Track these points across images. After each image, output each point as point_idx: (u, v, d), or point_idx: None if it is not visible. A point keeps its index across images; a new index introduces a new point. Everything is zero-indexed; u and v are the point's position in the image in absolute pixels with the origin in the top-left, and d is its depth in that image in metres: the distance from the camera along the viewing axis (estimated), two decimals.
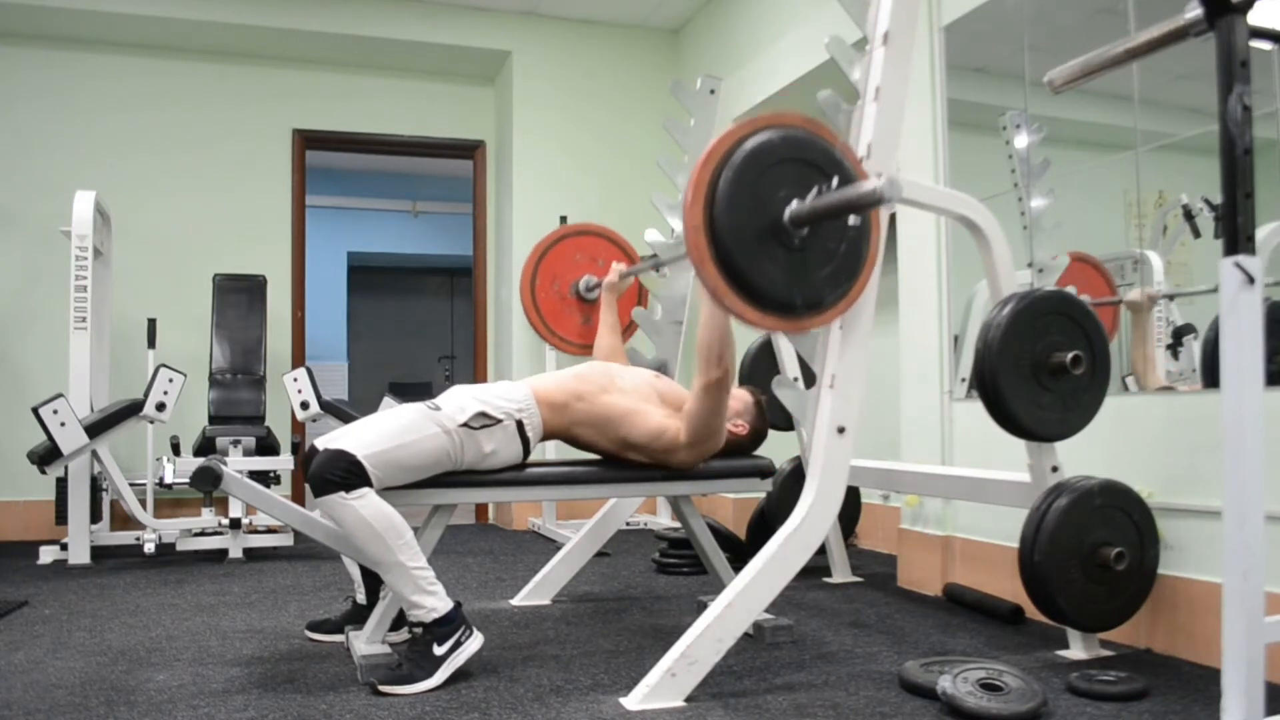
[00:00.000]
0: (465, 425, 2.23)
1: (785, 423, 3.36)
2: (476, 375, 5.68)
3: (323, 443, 2.17)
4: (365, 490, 2.08)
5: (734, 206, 1.83)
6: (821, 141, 1.95)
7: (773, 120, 1.93)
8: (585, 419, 2.39)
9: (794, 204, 1.86)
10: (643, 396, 2.43)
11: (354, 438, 2.13)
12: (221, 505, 4.28)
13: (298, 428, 4.91)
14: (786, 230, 1.86)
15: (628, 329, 3.31)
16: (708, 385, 2.27)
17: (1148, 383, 2.64)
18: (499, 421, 2.27)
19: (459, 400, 2.28)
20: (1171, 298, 2.60)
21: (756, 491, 2.83)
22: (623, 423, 2.38)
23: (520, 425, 2.31)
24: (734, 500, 4.71)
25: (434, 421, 2.20)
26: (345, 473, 2.07)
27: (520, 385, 2.39)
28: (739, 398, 2.59)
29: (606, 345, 3.03)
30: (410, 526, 2.14)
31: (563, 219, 5.12)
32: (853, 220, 1.95)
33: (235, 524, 4.05)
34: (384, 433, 2.15)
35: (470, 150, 5.77)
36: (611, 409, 2.38)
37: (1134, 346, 2.67)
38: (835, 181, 1.88)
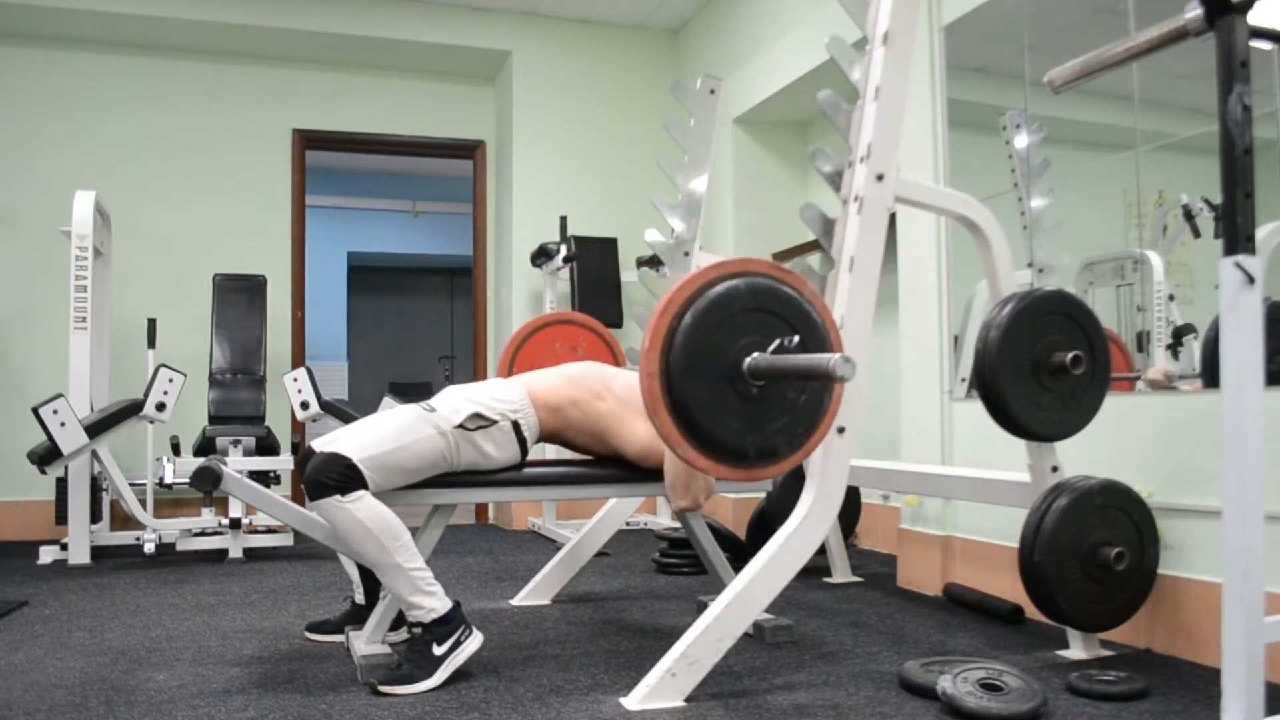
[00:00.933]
0: (461, 426, 2.22)
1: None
2: (476, 375, 5.68)
3: (318, 445, 2.16)
4: (361, 493, 2.08)
5: (691, 354, 1.82)
6: (788, 292, 1.93)
7: (741, 267, 1.91)
8: (580, 425, 2.38)
9: (754, 355, 1.84)
10: (634, 406, 2.38)
11: (349, 441, 2.13)
12: (221, 505, 4.28)
13: (298, 428, 4.91)
14: (744, 379, 1.85)
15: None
16: (678, 509, 2.39)
17: None
18: (494, 422, 2.26)
19: (453, 402, 2.27)
20: (1177, 339, 2.59)
21: (756, 491, 2.83)
22: (614, 435, 2.38)
23: (516, 426, 2.30)
24: (734, 500, 4.71)
25: (429, 423, 2.20)
26: (340, 476, 2.06)
27: (513, 385, 2.37)
28: None
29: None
30: (410, 527, 2.14)
31: (563, 219, 5.13)
32: None
33: (235, 524, 4.05)
34: (379, 435, 2.15)
35: (470, 150, 5.77)
36: (604, 418, 2.37)
37: None
38: (796, 339, 1.87)
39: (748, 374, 1.85)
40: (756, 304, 1.88)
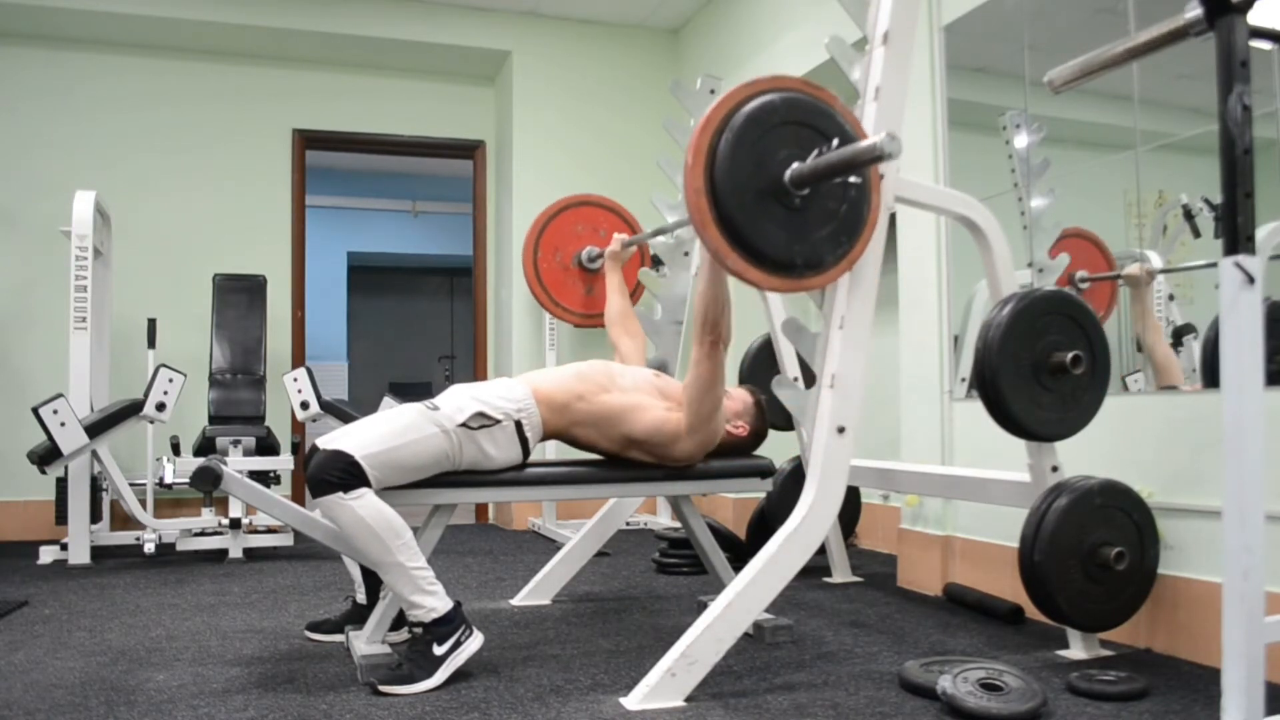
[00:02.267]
0: (464, 425, 2.22)
1: (785, 423, 3.36)
2: (476, 375, 5.68)
3: (322, 443, 2.16)
4: (363, 491, 2.08)
5: (735, 168, 1.85)
6: (822, 104, 1.97)
7: (772, 83, 1.94)
8: (586, 418, 2.38)
9: (795, 165, 1.88)
10: (643, 393, 2.43)
11: (352, 438, 2.13)
12: (221, 505, 4.28)
13: (298, 428, 4.91)
14: (787, 191, 1.88)
15: (635, 291, 3.29)
16: (703, 353, 2.30)
17: (1157, 356, 2.63)
18: (498, 422, 2.27)
19: (457, 400, 2.28)
20: (1177, 339, 2.61)
21: (756, 491, 2.83)
22: (624, 419, 2.38)
23: (519, 425, 2.30)
24: (734, 500, 4.71)
25: (432, 422, 2.20)
26: (343, 473, 2.06)
27: (519, 384, 2.38)
28: (739, 398, 2.59)
29: (617, 308, 3.07)
30: (410, 526, 2.14)
31: None
32: (853, 180, 1.96)
33: (235, 524, 4.05)
34: (382, 433, 2.15)
35: (470, 150, 5.77)
36: (612, 406, 2.38)
37: (1135, 321, 2.67)
38: (835, 143, 1.90)
39: (790, 184, 1.88)
40: (793, 117, 1.92)
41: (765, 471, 2.58)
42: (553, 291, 3.18)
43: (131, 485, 4.19)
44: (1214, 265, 2.24)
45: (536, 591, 3.08)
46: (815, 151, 1.90)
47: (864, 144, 1.78)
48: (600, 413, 2.38)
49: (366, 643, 2.29)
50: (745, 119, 1.87)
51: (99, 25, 4.85)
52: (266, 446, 4.27)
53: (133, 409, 3.96)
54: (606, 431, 2.40)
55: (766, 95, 1.91)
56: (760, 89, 1.92)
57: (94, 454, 3.89)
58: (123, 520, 4.46)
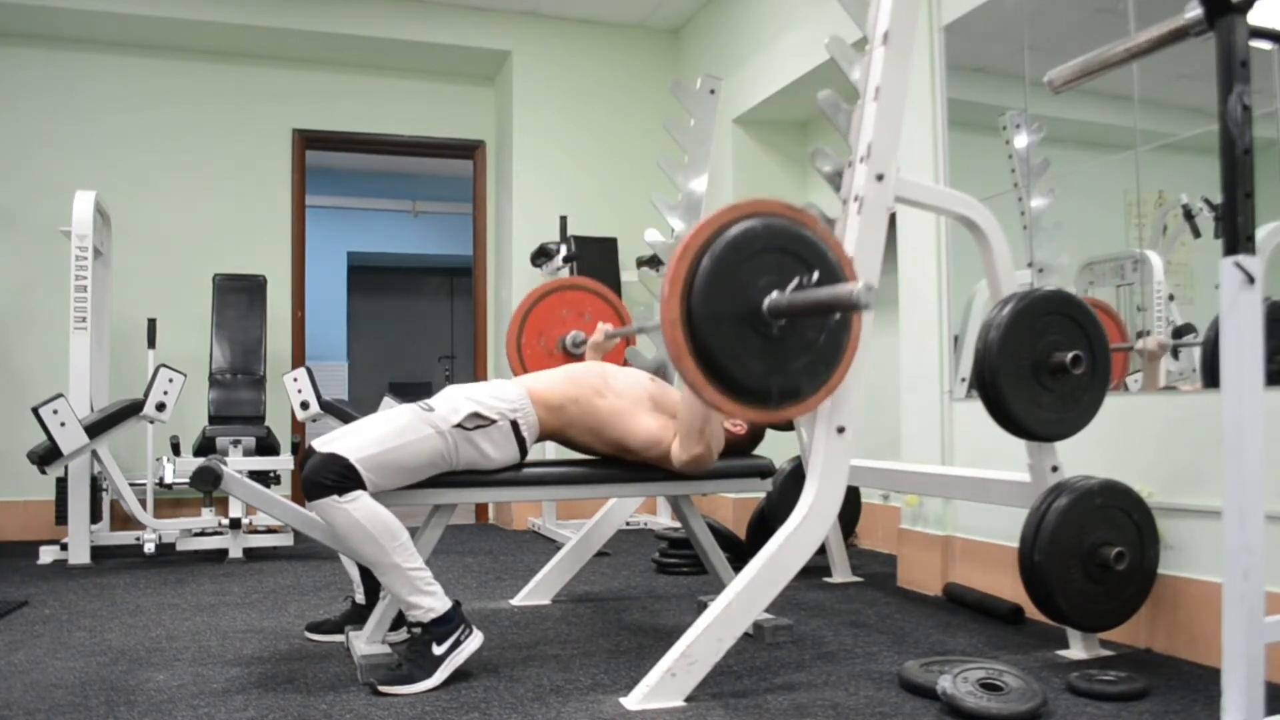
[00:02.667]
0: (459, 426, 2.22)
1: (785, 423, 3.36)
2: (476, 375, 5.68)
3: (317, 445, 2.16)
4: (358, 493, 2.08)
5: (712, 298, 1.81)
6: (804, 231, 1.93)
7: (754, 208, 1.90)
8: (580, 421, 2.38)
9: (773, 295, 1.84)
10: (636, 399, 2.41)
11: (347, 441, 2.13)
12: (221, 505, 4.28)
13: (298, 428, 4.91)
14: (765, 320, 1.84)
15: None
16: (688, 460, 2.31)
17: None
18: (493, 422, 2.26)
19: (452, 401, 2.27)
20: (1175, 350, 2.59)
21: (756, 491, 2.83)
22: (617, 428, 2.37)
23: (515, 425, 2.30)
24: (734, 500, 4.71)
25: (427, 423, 2.20)
26: (338, 476, 2.06)
27: (514, 384, 2.37)
28: None
29: None
30: (410, 527, 2.14)
31: (563, 219, 5.12)
32: None
33: (235, 524, 4.05)
34: (377, 435, 2.15)
35: (470, 150, 5.77)
36: (606, 413, 2.37)
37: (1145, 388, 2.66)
38: (816, 275, 1.87)
39: (768, 314, 1.84)
40: (773, 244, 1.88)
41: (765, 471, 2.58)
42: None
43: (131, 485, 4.19)
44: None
45: (536, 591, 3.08)
46: (795, 281, 1.85)
47: (841, 291, 1.73)
48: (594, 417, 2.37)
49: (366, 643, 2.29)
50: (725, 246, 1.83)
51: (99, 25, 4.85)
52: (266, 446, 4.27)
53: (133, 409, 3.96)
54: (601, 435, 2.39)
55: (747, 221, 1.87)
56: (741, 214, 1.88)
57: (94, 454, 3.89)
58: (123, 520, 4.46)
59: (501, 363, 5.44)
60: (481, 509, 5.63)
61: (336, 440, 2.14)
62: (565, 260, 4.99)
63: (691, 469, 2.33)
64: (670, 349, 1.82)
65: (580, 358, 3.26)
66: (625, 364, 3.23)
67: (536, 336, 3.29)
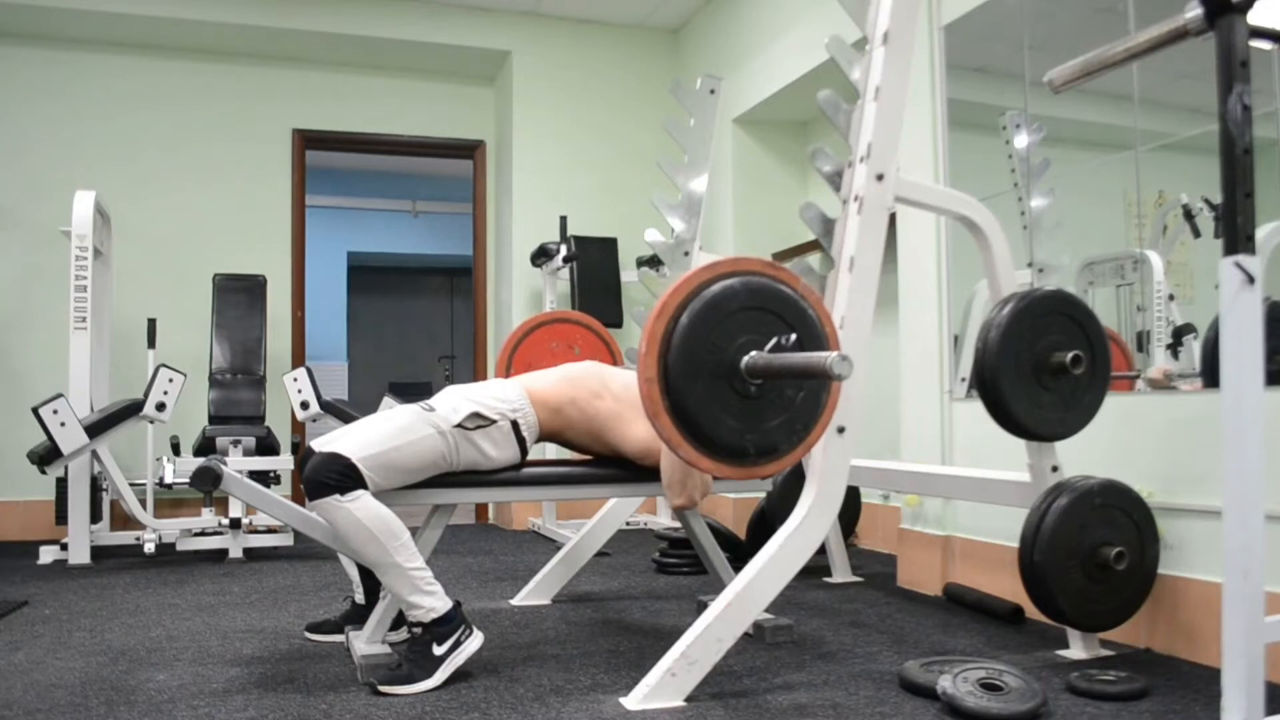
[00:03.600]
0: (459, 426, 2.22)
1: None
2: (476, 375, 5.68)
3: (318, 445, 2.16)
4: (360, 493, 2.08)
5: (688, 355, 1.82)
6: (784, 289, 1.93)
7: (734, 266, 1.91)
8: (579, 424, 2.38)
9: (751, 354, 1.85)
10: (632, 404, 2.38)
11: (348, 441, 2.13)
12: (221, 505, 4.28)
13: (298, 428, 4.91)
14: (742, 378, 1.85)
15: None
16: (674, 508, 2.36)
17: None
18: (494, 422, 2.26)
19: (452, 401, 2.27)
20: (1177, 339, 2.58)
21: (756, 491, 2.83)
22: (614, 432, 2.37)
23: (516, 425, 2.30)
24: (734, 500, 4.71)
25: (428, 423, 2.20)
26: (339, 475, 2.06)
27: (513, 385, 2.37)
28: None
29: None
30: (410, 527, 2.14)
31: (563, 219, 5.12)
32: None
33: (235, 524, 4.05)
34: (378, 435, 2.15)
35: (470, 150, 5.77)
36: (603, 417, 2.37)
37: None
38: (794, 337, 1.87)
39: (745, 373, 1.85)
40: (752, 303, 1.88)
41: None
42: None
43: (131, 485, 4.19)
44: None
45: (536, 591, 3.08)
46: (774, 341, 1.86)
47: (815, 359, 1.73)
48: (592, 420, 2.37)
49: (366, 643, 2.29)
50: (703, 305, 1.84)
51: (99, 25, 4.85)
52: (266, 446, 4.27)
53: (133, 409, 3.96)
54: (599, 438, 2.39)
55: (727, 280, 1.87)
56: (720, 273, 1.88)
57: (94, 454, 3.89)
58: (123, 520, 4.46)
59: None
60: (481, 509, 5.63)
61: (338, 440, 2.14)
62: (565, 260, 4.99)
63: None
64: (647, 406, 1.82)
65: None
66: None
67: (526, 370, 3.32)
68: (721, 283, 1.87)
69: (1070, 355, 2.19)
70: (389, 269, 10.29)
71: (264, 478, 4.14)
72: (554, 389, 2.38)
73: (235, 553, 4.04)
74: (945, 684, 1.89)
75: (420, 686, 2.04)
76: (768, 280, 1.92)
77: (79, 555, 3.89)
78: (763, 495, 3.58)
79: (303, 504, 2.29)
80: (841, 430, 2.08)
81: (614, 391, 2.41)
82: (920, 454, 3.24)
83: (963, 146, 3.18)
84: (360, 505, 2.07)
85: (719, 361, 1.84)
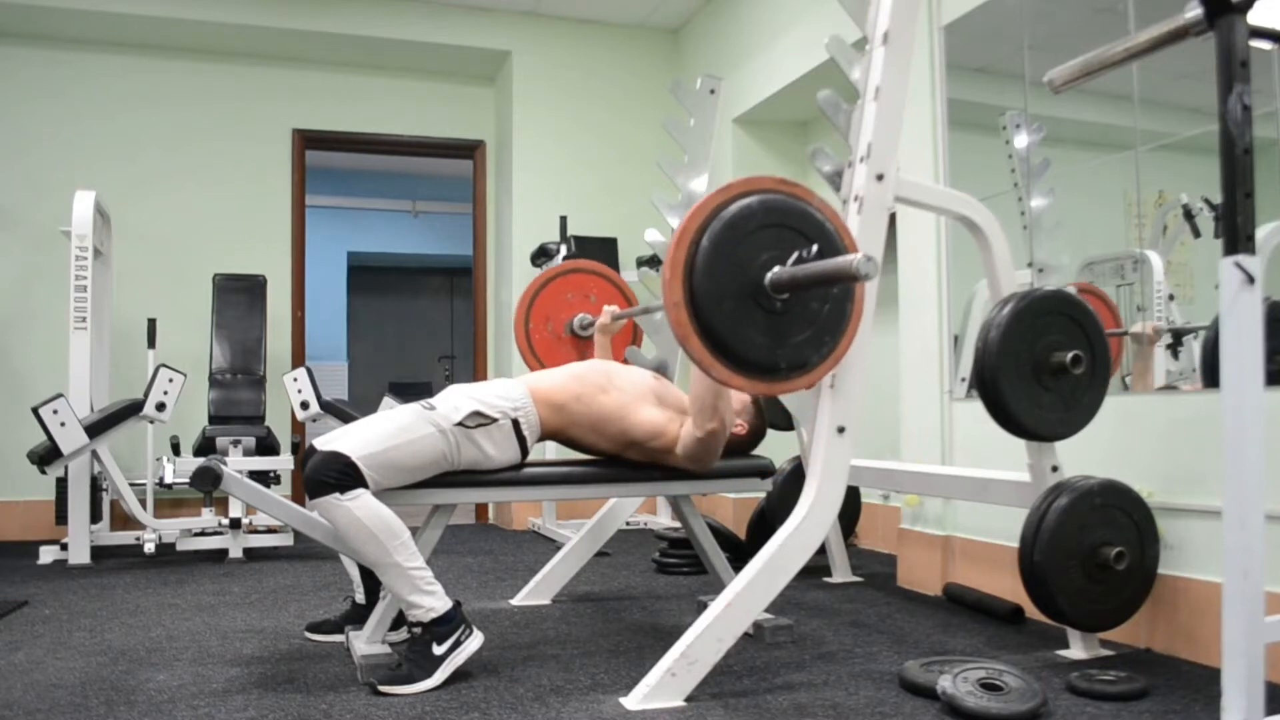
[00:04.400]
0: (460, 425, 2.22)
1: (785, 423, 3.36)
2: (476, 375, 5.68)
3: (319, 444, 2.17)
4: (360, 491, 2.08)
5: (713, 278, 1.83)
6: (800, 203, 1.93)
7: (747, 186, 1.91)
8: (583, 419, 2.38)
9: (774, 270, 1.86)
10: (639, 394, 2.42)
11: (349, 439, 2.13)
12: (221, 505, 4.28)
13: (298, 428, 4.91)
14: (768, 295, 1.86)
15: (634, 341, 3.31)
16: (703, 436, 2.30)
17: None
18: (495, 421, 2.27)
19: (454, 400, 2.27)
20: (1177, 339, 2.59)
21: (756, 491, 2.83)
22: (621, 420, 2.37)
23: (516, 424, 2.30)
24: (734, 500, 4.72)
25: (429, 421, 2.20)
26: (340, 474, 2.06)
27: (517, 384, 2.38)
28: (738, 397, 2.58)
29: None
30: (410, 527, 2.14)
31: (563, 219, 5.12)
32: None
33: (235, 524, 4.05)
34: (379, 434, 2.15)
35: (470, 150, 5.77)
36: (609, 408, 2.37)
37: (1134, 377, 2.66)
38: (815, 248, 1.88)
39: (770, 289, 1.86)
40: (770, 220, 1.89)
41: (765, 471, 2.58)
42: (545, 360, 3.20)
43: (131, 485, 4.19)
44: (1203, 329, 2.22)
45: (536, 591, 3.08)
46: (795, 255, 1.87)
47: (840, 263, 1.75)
48: (597, 414, 2.37)
49: (366, 643, 2.29)
50: (723, 226, 1.84)
51: (99, 25, 4.85)
52: (266, 446, 4.27)
53: (133, 409, 3.96)
54: (604, 431, 2.39)
55: (743, 200, 1.88)
56: (736, 193, 1.89)
57: (94, 454, 3.89)
58: (123, 520, 4.46)
59: (501, 363, 5.44)
60: (481, 509, 5.63)
61: (338, 439, 2.14)
62: (565, 260, 4.98)
63: (699, 454, 2.33)
64: (676, 330, 1.83)
65: (589, 340, 3.26)
66: (627, 363, 3.23)
67: (543, 321, 3.29)
68: (738, 203, 1.88)
69: (1070, 355, 2.19)
70: (389, 269, 10.29)
71: (264, 478, 4.14)
72: (559, 386, 2.38)
73: (235, 553, 4.04)
74: (945, 684, 1.89)
75: (420, 686, 2.04)
76: (783, 196, 1.93)
77: (79, 555, 3.89)
78: (763, 495, 3.58)
79: (303, 504, 2.29)
80: (841, 430, 2.08)
81: (620, 386, 2.42)
82: (920, 454, 3.24)
83: (963, 146, 3.18)
84: (360, 504, 2.07)
85: (744, 280, 1.85)
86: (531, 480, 2.37)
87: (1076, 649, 2.33)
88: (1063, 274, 2.86)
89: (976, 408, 2.35)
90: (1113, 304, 2.74)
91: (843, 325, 1.97)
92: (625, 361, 3.15)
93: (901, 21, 2.17)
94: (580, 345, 3.31)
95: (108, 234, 4.57)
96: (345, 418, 4.05)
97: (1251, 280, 1.42)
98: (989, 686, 1.88)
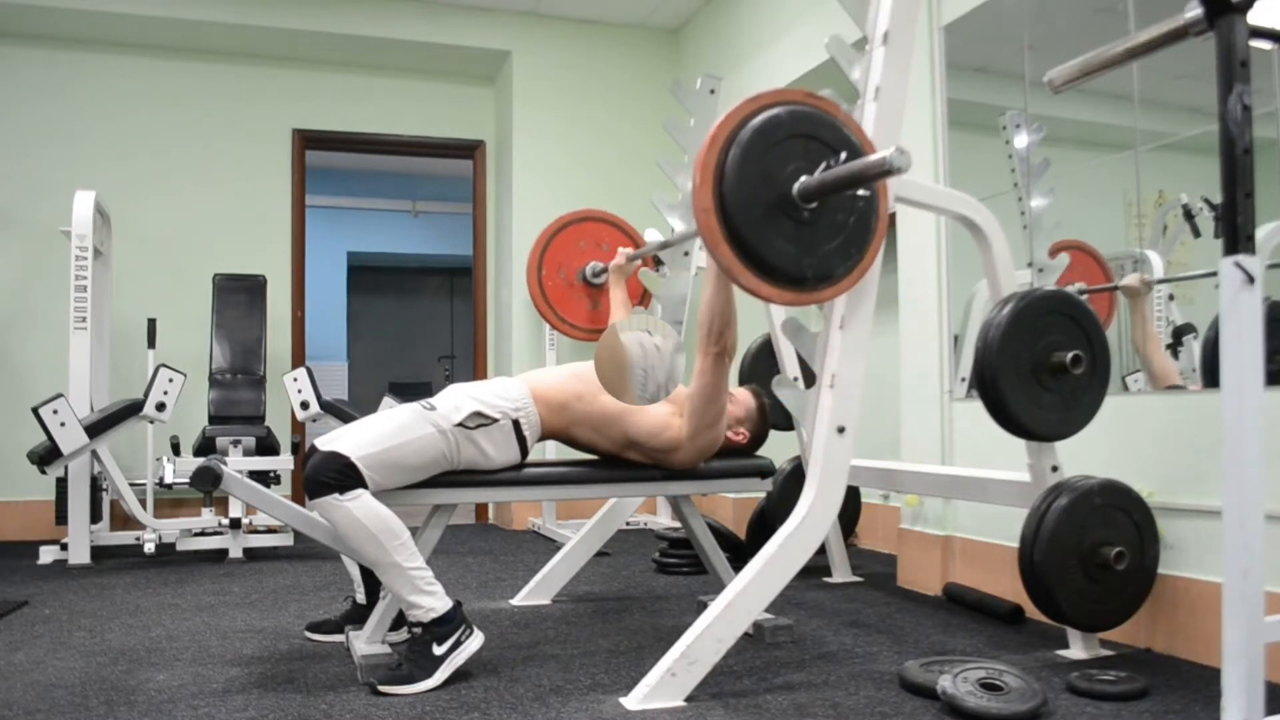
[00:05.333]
0: (460, 425, 2.22)
1: (785, 423, 3.35)
2: (476, 375, 5.68)
3: (319, 444, 2.17)
4: (359, 492, 2.08)
5: (743, 184, 1.84)
6: (826, 115, 1.97)
7: (776, 97, 1.94)
8: (584, 419, 2.38)
9: (803, 178, 1.88)
10: None
11: (349, 439, 2.13)
12: (221, 505, 4.28)
13: (298, 428, 4.91)
14: (796, 204, 1.88)
15: (640, 302, 3.30)
16: (708, 363, 2.28)
17: (1154, 365, 2.63)
18: (495, 421, 2.27)
19: (454, 400, 2.27)
20: (1177, 339, 2.60)
21: (756, 491, 2.83)
22: (623, 419, 2.37)
23: (517, 424, 2.30)
24: (734, 500, 4.71)
25: (429, 421, 2.20)
26: (339, 474, 2.06)
27: (517, 383, 2.38)
28: (741, 402, 2.58)
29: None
30: (410, 527, 2.14)
31: None
32: (861, 191, 1.96)
33: (235, 524, 4.05)
34: (379, 434, 2.15)
35: (470, 150, 5.77)
36: (611, 407, 2.37)
37: (1134, 330, 2.67)
38: (843, 156, 1.90)
39: (798, 197, 1.88)
40: (798, 129, 1.91)
41: (765, 471, 2.58)
42: (558, 308, 3.19)
43: (131, 485, 4.19)
44: (1212, 274, 2.26)
45: (536, 591, 3.08)
46: (823, 164, 1.90)
47: (873, 158, 1.78)
48: (599, 413, 2.37)
49: (366, 643, 2.30)
50: (752, 134, 1.87)
51: (99, 25, 4.85)
52: (266, 446, 4.27)
53: (133, 409, 3.96)
54: (605, 431, 2.39)
55: (771, 109, 1.91)
56: (764, 103, 1.92)
57: (94, 454, 3.89)
58: (123, 520, 4.46)
59: (502, 363, 5.44)
60: (481, 509, 5.63)
61: (338, 439, 2.14)
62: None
63: (699, 430, 2.31)
64: (705, 236, 1.84)
65: (601, 289, 3.26)
66: (643, 304, 3.18)
67: (556, 269, 3.29)
68: (767, 112, 1.90)
69: (1070, 355, 2.19)
70: (389, 269, 10.29)
71: (264, 478, 4.14)
72: (561, 386, 2.38)
73: (235, 553, 4.04)
74: (945, 684, 1.89)
75: (420, 686, 2.04)
76: (810, 108, 1.96)
77: (79, 555, 3.89)
78: (763, 495, 3.58)
79: (303, 504, 2.29)
80: (841, 430, 2.08)
81: None
82: (920, 454, 3.24)
83: (963, 146, 3.18)
84: (359, 504, 2.07)
85: (772, 188, 1.87)
86: (531, 480, 2.37)
87: (1076, 649, 2.34)
88: (1062, 274, 2.86)
89: (976, 408, 2.35)
90: (1101, 257, 2.77)
91: (868, 237, 1.99)
92: (642, 301, 3.12)
93: (901, 21, 2.17)
94: (592, 294, 3.30)
95: (108, 234, 4.57)
96: (345, 418, 4.05)
97: (1251, 280, 1.42)
98: (989, 686, 1.88)
